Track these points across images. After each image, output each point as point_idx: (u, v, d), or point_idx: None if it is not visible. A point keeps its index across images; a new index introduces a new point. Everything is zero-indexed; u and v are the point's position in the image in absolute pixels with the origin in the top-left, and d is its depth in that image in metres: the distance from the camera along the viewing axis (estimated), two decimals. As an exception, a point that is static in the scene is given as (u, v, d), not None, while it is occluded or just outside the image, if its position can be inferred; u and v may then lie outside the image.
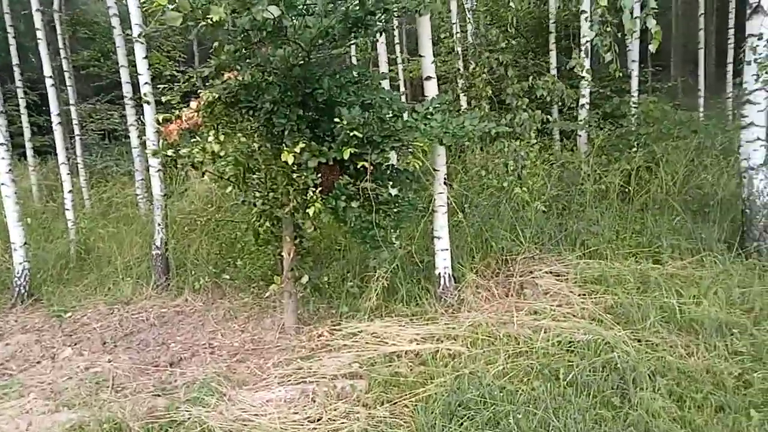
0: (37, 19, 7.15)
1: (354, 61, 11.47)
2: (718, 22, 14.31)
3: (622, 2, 3.34)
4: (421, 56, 4.50)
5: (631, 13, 3.46)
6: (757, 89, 5.10)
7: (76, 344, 4.78)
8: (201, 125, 3.79)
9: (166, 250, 6.20)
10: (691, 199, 6.07)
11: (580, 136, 8.00)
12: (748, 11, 5.14)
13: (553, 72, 8.76)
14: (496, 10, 12.18)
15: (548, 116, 4.88)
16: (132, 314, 5.41)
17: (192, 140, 3.65)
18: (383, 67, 7.19)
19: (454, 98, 7.35)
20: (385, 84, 6.16)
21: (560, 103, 8.53)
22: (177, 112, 4.01)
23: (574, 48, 7.65)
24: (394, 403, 3.31)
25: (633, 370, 3.23)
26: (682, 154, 6.80)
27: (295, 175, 3.59)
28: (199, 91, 3.72)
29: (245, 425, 3.21)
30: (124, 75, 7.73)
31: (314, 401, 3.41)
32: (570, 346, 3.70)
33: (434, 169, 4.68)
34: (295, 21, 3.15)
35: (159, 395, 3.69)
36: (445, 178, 4.58)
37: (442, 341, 4.04)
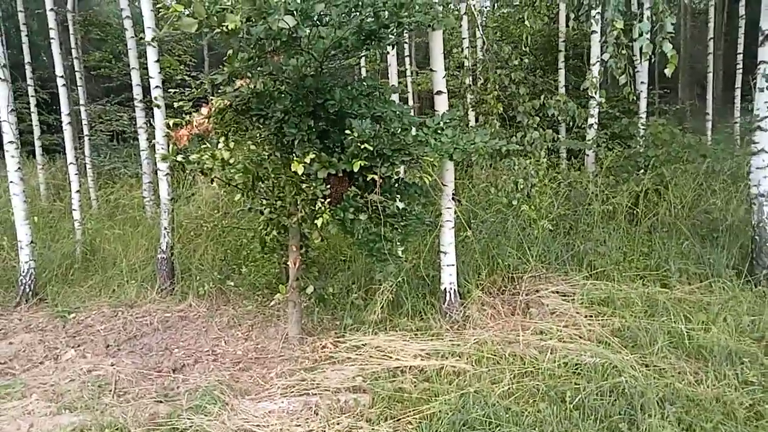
0: (51, 18, 7.20)
1: (364, 72, 11.53)
2: (726, 46, 14.37)
3: (639, 26, 3.36)
4: (432, 71, 4.52)
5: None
6: (768, 116, 5.10)
7: (79, 346, 4.76)
8: (211, 132, 3.80)
9: (171, 255, 6.20)
10: (700, 223, 6.06)
11: (587, 155, 8.01)
12: (760, 38, 5.15)
13: (562, 90, 8.81)
14: (506, 27, 12.26)
15: (556, 135, 4.88)
16: (136, 317, 5.39)
17: (202, 146, 3.65)
18: (393, 79, 7.23)
19: (464, 114, 7.36)
20: (395, 97, 6.21)
21: (569, 123, 8.55)
22: (187, 117, 4.02)
23: (588, 69, 7.65)
24: (398, 420, 3.28)
25: (641, 395, 3.20)
26: (690, 178, 6.81)
27: (304, 186, 3.59)
28: (210, 97, 3.73)
29: (247, 436, 3.19)
30: (135, 77, 7.78)
31: (317, 414, 3.39)
32: (577, 369, 3.67)
33: (442, 184, 4.68)
34: (308, 31, 3.16)
35: (161, 401, 3.67)
36: (453, 194, 4.57)
37: (446, 358, 4.01)
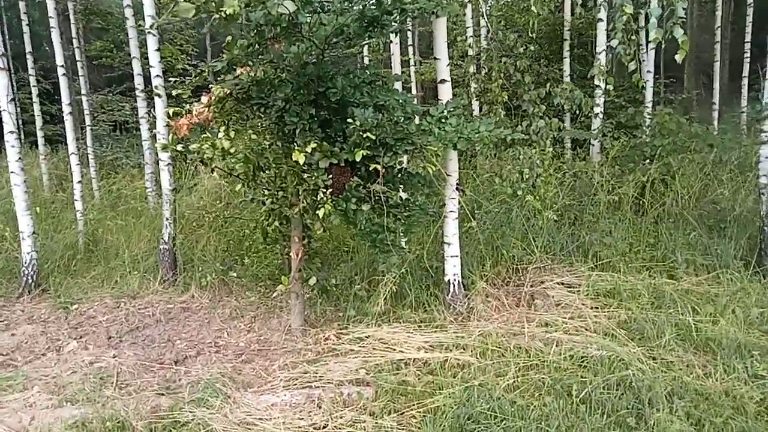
0: (50, 7, 7.13)
1: (367, 61, 11.43)
2: (734, 35, 14.18)
3: (649, 11, 3.27)
4: (436, 59, 4.45)
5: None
6: (777, 105, 5.01)
7: (81, 337, 4.74)
8: (211, 121, 3.74)
9: (173, 245, 6.17)
10: (707, 214, 5.98)
11: (593, 145, 7.92)
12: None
13: (567, 79, 8.70)
14: (510, 15, 12.11)
15: (562, 124, 4.80)
16: (138, 309, 5.37)
17: (202, 136, 3.59)
18: (396, 69, 7.13)
19: (468, 103, 7.27)
20: (398, 86, 6.12)
21: (575, 112, 8.46)
22: (188, 106, 3.96)
23: (594, 57, 7.52)
24: (402, 413, 3.25)
25: (649, 389, 3.15)
26: (697, 168, 6.72)
27: (305, 176, 3.53)
28: (210, 85, 3.66)
29: (249, 429, 3.16)
30: (136, 67, 7.71)
31: (320, 407, 3.35)
32: (583, 362, 3.63)
33: (446, 174, 4.62)
34: (309, 18, 3.08)
35: (163, 394, 3.65)
36: (457, 184, 4.51)
37: (450, 350, 3.97)
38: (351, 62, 3.80)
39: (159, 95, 5.64)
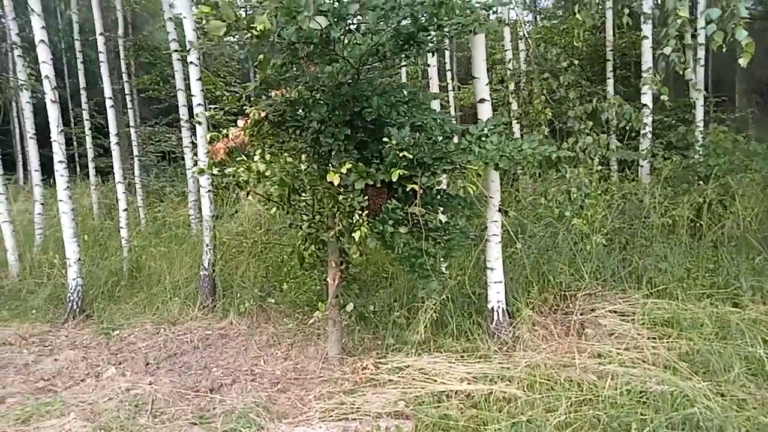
0: (100, 43, 7.43)
1: (404, 79, 11.42)
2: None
3: (706, 13, 3.05)
4: (474, 78, 4.32)
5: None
6: None
7: (120, 363, 4.74)
8: (248, 144, 3.72)
9: (213, 272, 6.17)
10: (773, 237, 5.55)
11: (641, 166, 7.58)
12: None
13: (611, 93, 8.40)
14: (550, 38, 11.91)
15: (610, 141, 4.55)
16: (177, 335, 5.35)
17: (238, 159, 3.56)
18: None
19: (508, 122, 7.09)
20: (435, 105, 6.02)
21: (621, 132, 8.14)
22: (224, 131, 3.96)
23: (642, 76, 7.22)
24: (444, 450, 3.04)
25: (719, 430, 2.84)
26: (758, 188, 6.30)
27: (341, 197, 3.43)
28: (246, 109, 3.65)
29: (283, 464, 3.01)
30: (181, 98, 7.91)
31: (357, 441, 3.18)
32: (642, 397, 3.33)
33: (488, 196, 4.44)
34: (341, 33, 3.02)
35: (196, 423, 3.55)
36: (499, 205, 4.32)
37: (495, 382, 3.74)
38: (387, 84, 3.70)
39: (199, 122, 5.72)
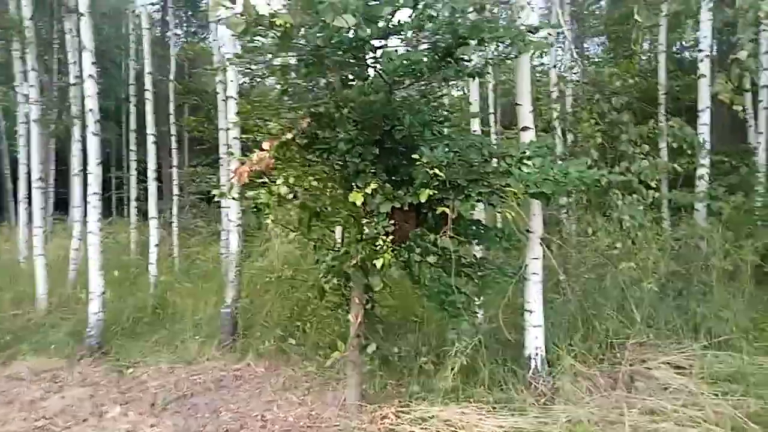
0: (148, 82, 7.58)
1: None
2: None
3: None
4: (517, 104, 4.03)
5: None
6: None
7: (127, 403, 4.46)
8: (273, 168, 3.50)
9: (235, 310, 5.91)
10: None
11: (697, 210, 7.01)
12: None
13: (662, 148, 7.89)
14: (600, 81, 11.55)
15: (669, 165, 4.12)
16: (190, 375, 5.06)
17: (260, 182, 3.34)
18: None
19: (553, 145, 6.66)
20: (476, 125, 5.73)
21: (674, 176, 7.61)
22: (250, 155, 3.77)
23: (696, 116, 6.75)
24: None
25: None
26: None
27: (364, 221, 3.13)
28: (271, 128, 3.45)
29: None
30: (222, 138, 7.96)
31: (367, 502, 2.74)
32: (707, 464, 2.78)
33: (528, 231, 4.06)
34: (376, 48, 2.80)
35: (192, 472, 3.19)
36: (541, 240, 3.93)
37: (531, 439, 3.25)
38: (423, 101, 3.45)
39: (232, 153, 5.60)
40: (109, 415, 4.19)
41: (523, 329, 4.15)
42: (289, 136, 3.32)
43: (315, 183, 3.36)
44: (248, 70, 3.65)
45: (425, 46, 2.95)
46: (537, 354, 4.06)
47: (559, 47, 9.07)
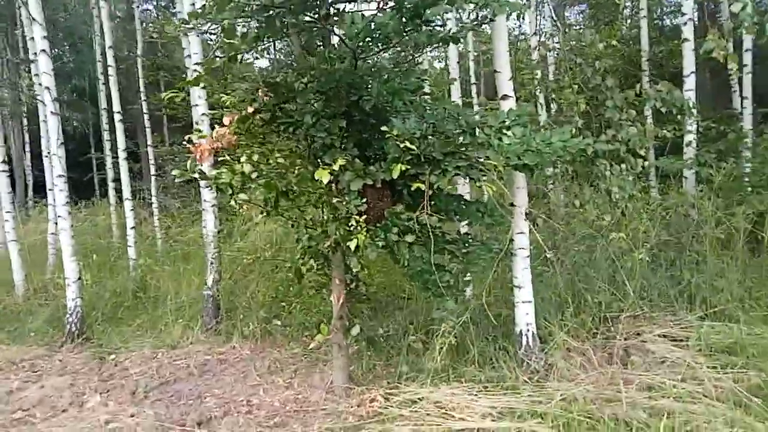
0: (109, 57, 7.23)
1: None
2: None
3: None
4: (496, 72, 3.82)
5: None
6: None
7: (108, 391, 4.30)
8: (236, 145, 3.28)
9: (217, 291, 5.74)
10: None
11: (686, 177, 6.90)
12: None
13: (648, 116, 7.73)
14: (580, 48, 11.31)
15: (659, 130, 3.95)
16: (174, 360, 4.91)
17: (221, 160, 3.13)
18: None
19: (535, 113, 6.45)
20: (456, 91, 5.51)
21: (661, 143, 7.47)
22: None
23: (682, 81, 6.57)
24: (459, 506, 2.46)
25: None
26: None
27: (334, 200, 2.94)
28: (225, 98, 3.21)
29: None
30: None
31: (354, 492, 2.63)
32: (707, 441, 2.70)
33: (512, 204, 3.89)
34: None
35: (173, 465, 3.06)
36: (526, 213, 3.77)
37: (524, 419, 3.15)
38: (392, 69, 3.21)
39: (199, 131, 5.35)
40: (89, 404, 4.03)
41: (513, 305, 4.02)
42: (251, 110, 3.09)
43: (281, 160, 3.15)
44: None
45: (392, 4, 2.70)
46: (528, 330, 3.94)
47: (539, 14, 8.83)
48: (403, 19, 2.82)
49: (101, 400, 4.11)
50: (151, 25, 10.77)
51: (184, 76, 10.41)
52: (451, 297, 3.34)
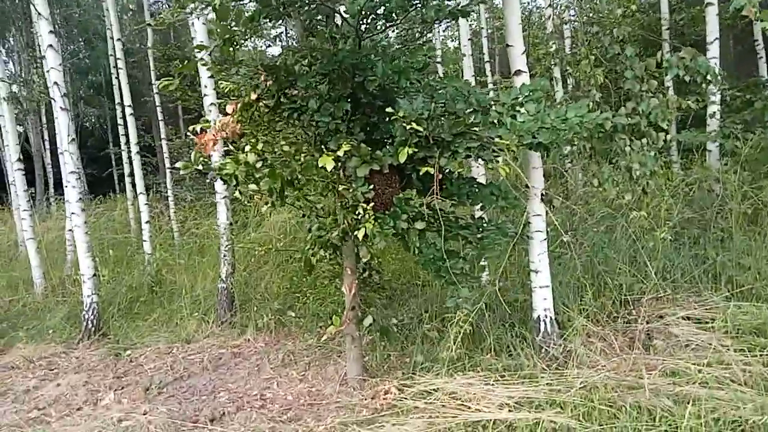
0: (118, 49, 7.18)
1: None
2: None
3: None
4: (509, 46, 3.65)
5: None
6: None
7: (122, 388, 4.30)
8: (240, 134, 3.19)
9: (231, 284, 5.71)
10: None
11: (710, 151, 6.63)
12: None
13: (670, 91, 7.44)
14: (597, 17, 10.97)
15: (682, 101, 3.75)
16: (188, 355, 4.90)
17: (226, 150, 3.04)
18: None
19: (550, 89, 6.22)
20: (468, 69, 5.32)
21: (683, 117, 7.21)
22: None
23: (705, 49, 6.30)
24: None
25: None
26: None
27: (341, 188, 2.83)
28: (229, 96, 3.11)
29: None
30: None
31: (367, 489, 2.56)
32: (735, 429, 2.56)
33: (529, 185, 3.74)
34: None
35: (185, 462, 3.02)
36: (542, 195, 3.62)
37: (543, 409, 3.04)
38: (397, 48, 3.07)
39: (207, 121, 5.28)
40: (103, 402, 4.03)
41: (530, 290, 3.89)
42: (254, 96, 2.99)
43: (287, 148, 3.04)
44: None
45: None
46: (546, 316, 3.81)
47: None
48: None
49: (115, 397, 4.10)
50: (160, 15, 10.69)
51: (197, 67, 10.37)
52: (465, 284, 3.22)
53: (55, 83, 5.62)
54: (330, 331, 3.68)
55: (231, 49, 2.89)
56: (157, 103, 10.15)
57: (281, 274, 6.21)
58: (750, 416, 2.64)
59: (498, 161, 2.96)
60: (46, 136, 15.43)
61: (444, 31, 14.67)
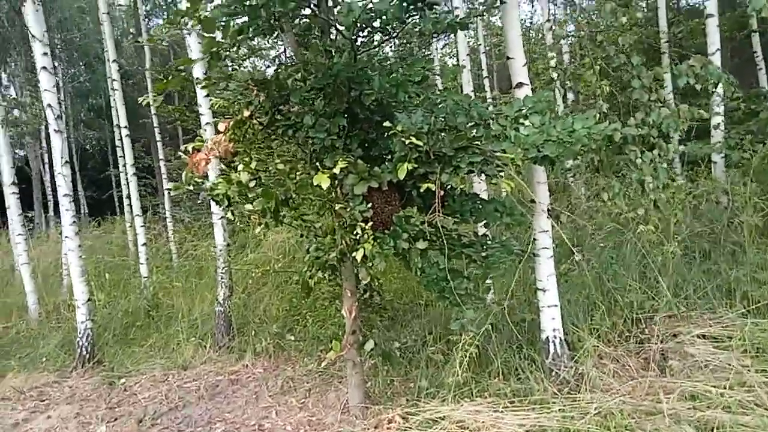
0: (114, 70, 7.12)
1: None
2: None
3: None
4: (509, 59, 3.54)
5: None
6: None
7: (115, 419, 4.13)
8: (233, 152, 3.07)
9: (228, 307, 5.55)
10: None
11: (715, 163, 6.51)
12: None
13: (670, 97, 7.36)
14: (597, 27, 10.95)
15: (697, 111, 3.62)
16: (184, 383, 4.72)
17: (218, 169, 2.91)
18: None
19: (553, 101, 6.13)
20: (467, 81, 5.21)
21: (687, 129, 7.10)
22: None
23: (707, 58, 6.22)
24: None
25: None
26: None
27: (338, 207, 2.69)
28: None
29: None
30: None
31: None
32: (766, 460, 2.38)
33: (535, 201, 3.61)
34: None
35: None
36: (548, 209, 3.48)
37: (556, 438, 2.86)
38: (395, 61, 2.97)
39: (201, 141, 5.17)
40: (93, 436, 3.85)
41: (537, 310, 3.73)
42: (246, 113, 2.87)
43: (281, 166, 2.92)
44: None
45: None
46: (555, 336, 3.64)
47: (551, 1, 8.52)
48: (405, 4, 2.57)
49: (107, 430, 3.93)
50: (154, 33, 10.68)
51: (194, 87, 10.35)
52: (470, 305, 3.07)
53: (49, 105, 5.52)
54: (330, 357, 3.51)
55: (218, 63, 2.78)
56: (155, 124, 10.07)
57: (280, 296, 6.06)
58: (779, 444, 2.46)
59: (501, 176, 2.83)
60: (46, 159, 15.40)
61: (442, 48, 14.71)
